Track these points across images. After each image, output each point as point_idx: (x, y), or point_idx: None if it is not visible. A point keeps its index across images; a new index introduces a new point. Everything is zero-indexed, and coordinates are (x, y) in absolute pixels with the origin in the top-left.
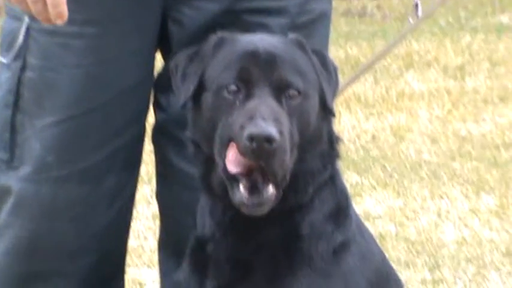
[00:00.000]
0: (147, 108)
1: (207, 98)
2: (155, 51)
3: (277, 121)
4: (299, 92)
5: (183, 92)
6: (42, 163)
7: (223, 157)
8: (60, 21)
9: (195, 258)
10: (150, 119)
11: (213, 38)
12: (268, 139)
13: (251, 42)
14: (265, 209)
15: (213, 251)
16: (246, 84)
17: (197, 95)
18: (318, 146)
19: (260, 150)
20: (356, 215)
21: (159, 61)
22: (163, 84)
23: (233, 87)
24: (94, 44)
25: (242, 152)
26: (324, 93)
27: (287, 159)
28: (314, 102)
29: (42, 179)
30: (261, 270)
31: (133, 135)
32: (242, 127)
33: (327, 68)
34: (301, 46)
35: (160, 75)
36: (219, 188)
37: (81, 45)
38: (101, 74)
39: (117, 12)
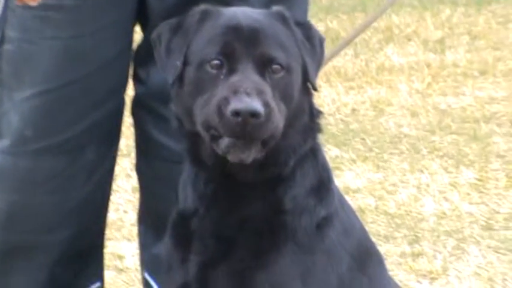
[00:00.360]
0: (126, 81)
1: (190, 72)
2: (134, 24)
3: (261, 94)
4: (282, 67)
5: (169, 68)
6: (20, 136)
7: (201, 123)
8: (34, 2)
9: (178, 232)
10: (130, 92)
11: (197, 11)
12: (253, 114)
13: (234, 16)
14: (250, 157)
15: (197, 226)
16: (229, 59)
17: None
18: (300, 120)
19: (245, 125)
20: (337, 189)
21: (138, 34)
22: (143, 57)
23: (216, 62)
24: (72, 17)
25: (226, 125)
26: (306, 67)
27: (279, 125)
28: (297, 77)
29: (20, 152)
30: (244, 245)
31: (112, 108)
32: (227, 101)
33: (311, 41)
34: (283, 19)
35: (139, 48)
36: (203, 160)
37: (59, 17)
38: (79, 47)
39: None
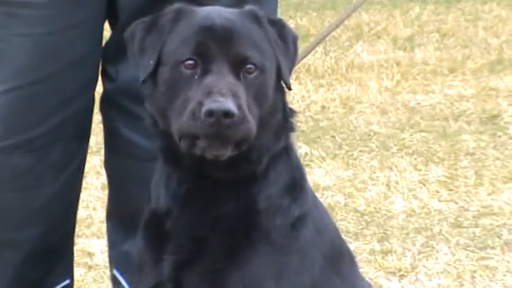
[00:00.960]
0: (96, 78)
1: (164, 72)
2: (103, 21)
3: (235, 96)
4: (256, 66)
5: (142, 66)
6: None
7: (176, 127)
8: None
9: (151, 232)
10: (99, 88)
11: (171, 10)
12: (227, 113)
13: (208, 16)
14: (226, 154)
15: (172, 227)
16: (203, 59)
17: (154, 69)
18: (274, 119)
19: (219, 125)
20: (310, 188)
21: (107, 31)
22: (111, 54)
23: (190, 62)
24: (42, 14)
25: (201, 127)
26: (279, 66)
27: (252, 128)
28: (271, 76)
29: None
30: (218, 245)
31: (81, 105)
32: (200, 103)
33: (285, 39)
34: (256, 18)
35: (108, 44)
36: (177, 159)
37: (29, 14)
38: (49, 44)
39: None
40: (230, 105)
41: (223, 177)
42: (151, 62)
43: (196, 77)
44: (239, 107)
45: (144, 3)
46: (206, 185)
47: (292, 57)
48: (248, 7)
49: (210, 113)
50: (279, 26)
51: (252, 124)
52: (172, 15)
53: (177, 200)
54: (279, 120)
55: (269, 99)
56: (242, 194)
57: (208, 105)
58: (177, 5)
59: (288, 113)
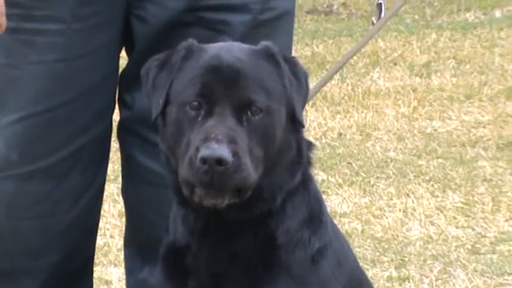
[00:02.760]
0: (113, 105)
1: (172, 112)
2: (120, 48)
3: (232, 142)
4: (261, 110)
5: (154, 105)
6: (6, 160)
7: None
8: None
9: (170, 265)
10: (116, 116)
11: (182, 47)
12: (219, 161)
13: (217, 55)
14: (223, 203)
15: (191, 262)
16: (207, 101)
17: (164, 107)
18: (286, 157)
19: (212, 172)
20: (330, 218)
21: (123, 58)
22: (128, 81)
23: (195, 104)
24: (57, 41)
25: (195, 175)
26: (293, 105)
27: (249, 176)
28: (279, 117)
29: (6, 177)
30: (239, 281)
31: (98, 132)
32: (197, 149)
33: (297, 77)
34: (270, 56)
35: (124, 72)
36: (189, 200)
37: (44, 42)
38: (64, 71)
39: (80, 9)
40: (224, 152)
41: (238, 218)
42: (160, 101)
43: (199, 118)
44: (234, 154)
45: (159, 31)
46: (222, 222)
47: (305, 95)
48: (263, 43)
49: (204, 160)
50: (292, 64)
51: (249, 172)
52: (183, 53)
53: (195, 236)
54: (293, 156)
55: (276, 139)
56: (260, 229)
57: (202, 152)
58: (188, 42)
59: (303, 148)
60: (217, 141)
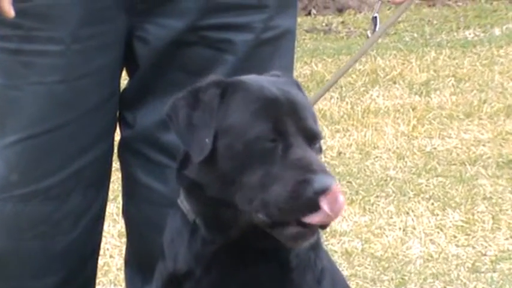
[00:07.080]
0: (114, 125)
1: (231, 148)
2: (121, 69)
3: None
4: (320, 139)
5: (196, 145)
6: (6, 182)
7: (263, 205)
8: None
9: None
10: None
11: (212, 84)
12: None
13: (265, 87)
14: (310, 242)
15: None
16: (281, 134)
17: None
18: None
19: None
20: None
21: (124, 78)
22: (129, 100)
23: (271, 138)
24: (57, 62)
25: (308, 204)
26: None
27: None
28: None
29: (6, 198)
30: None
31: (99, 153)
32: (307, 182)
33: None
34: (298, 86)
35: (126, 91)
36: (219, 227)
37: (44, 63)
38: (64, 93)
39: (80, 30)
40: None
41: (264, 246)
42: (207, 140)
43: (280, 152)
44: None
45: (162, 51)
46: (237, 248)
47: None
48: (287, 78)
49: (324, 191)
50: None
51: None
52: (219, 90)
53: (200, 261)
54: None
55: None
56: (272, 253)
57: (321, 183)
58: (217, 78)
59: None
60: (324, 172)
